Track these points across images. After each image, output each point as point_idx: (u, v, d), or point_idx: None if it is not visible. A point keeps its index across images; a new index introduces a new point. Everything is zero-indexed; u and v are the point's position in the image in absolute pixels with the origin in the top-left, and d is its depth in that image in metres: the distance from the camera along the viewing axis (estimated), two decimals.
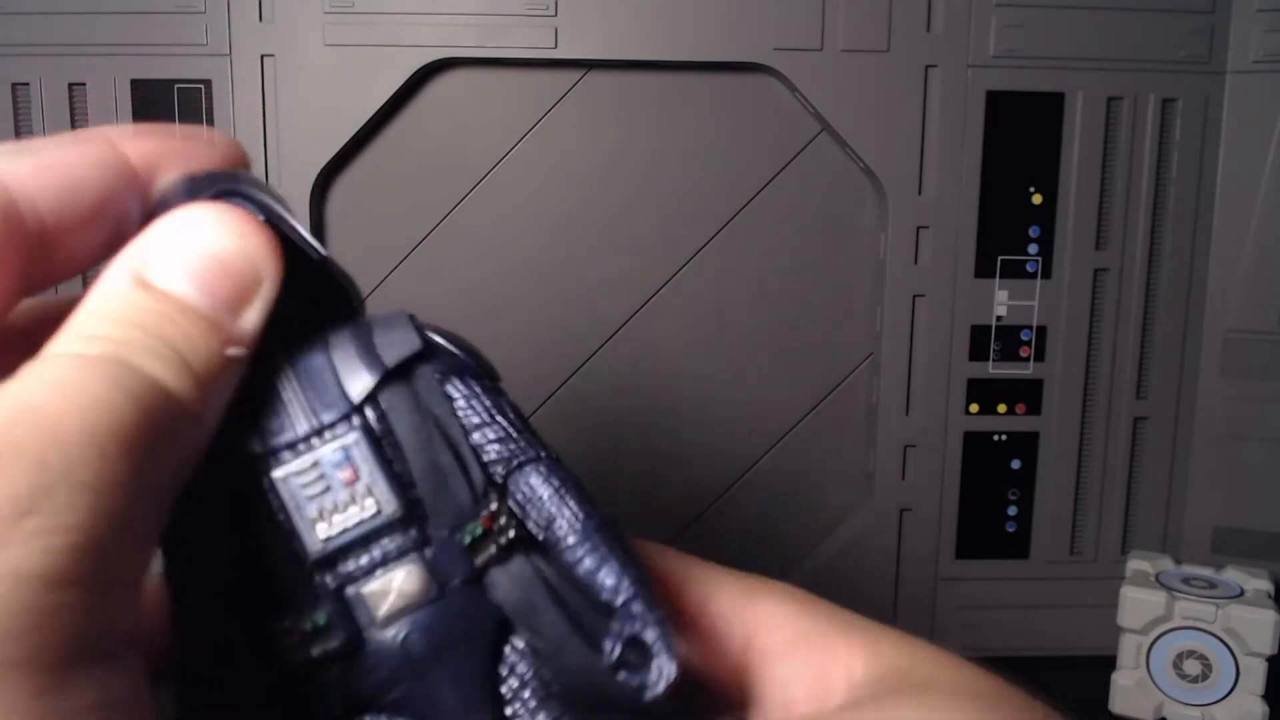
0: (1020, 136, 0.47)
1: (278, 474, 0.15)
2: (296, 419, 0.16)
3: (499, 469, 0.17)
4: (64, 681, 0.11)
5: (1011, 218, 0.48)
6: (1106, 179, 0.48)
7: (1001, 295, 0.48)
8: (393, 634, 0.15)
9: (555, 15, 0.45)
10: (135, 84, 0.45)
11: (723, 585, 0.18)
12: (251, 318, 0.15)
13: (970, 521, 0.50)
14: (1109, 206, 0.48)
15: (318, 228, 0.48)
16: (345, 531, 0.15)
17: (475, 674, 0.15)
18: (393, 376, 0.16)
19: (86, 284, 0.16)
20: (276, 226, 0.16)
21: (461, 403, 0.17)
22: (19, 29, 0.45)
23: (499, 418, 0.17)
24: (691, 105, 0.48)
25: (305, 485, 0.15)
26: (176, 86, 0.45)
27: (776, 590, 0.18)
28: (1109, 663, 0.44)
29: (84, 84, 0.45)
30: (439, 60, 0.46)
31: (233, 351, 0.15)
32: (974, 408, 0.49)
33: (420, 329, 0.17)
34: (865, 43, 0.46)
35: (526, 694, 0.15)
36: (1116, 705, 0.44)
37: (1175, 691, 0.43)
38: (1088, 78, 0.47)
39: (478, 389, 0.17)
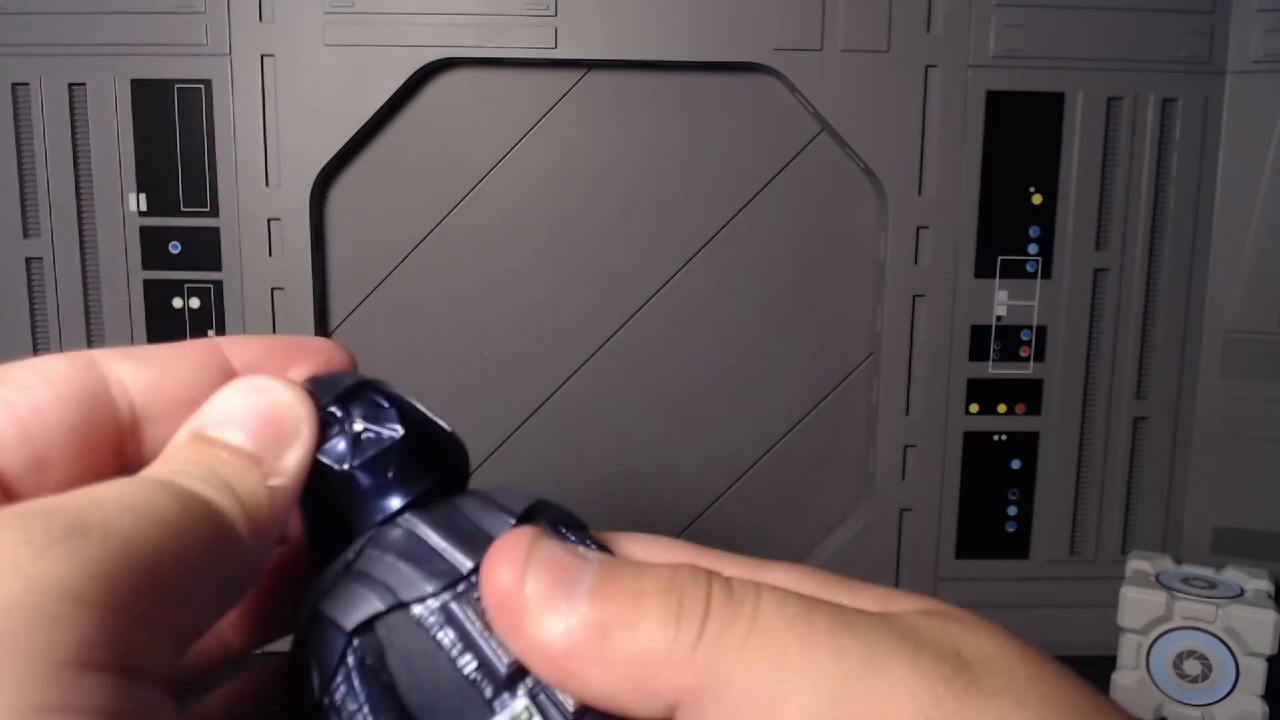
0: (1020, 136, 0.47)
1: (456, 606, 0.17)
2: (459, 559, 0.17)
3: None
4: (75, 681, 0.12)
5: (1011, 218, 0.48)
6: (1106, 179, 0.48)
7: (1001, 295, 0.48)
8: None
9: (555, 15, 0.45)
10: (135, 84, 0.45)
11: (733, 560, 0.19)
12: (293, 457, 0.17)
13: (970, 521, 0.50)
14: (1109, 206, 0.48)
15: (318, 228, 0.48)
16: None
17: None
18: (522, 521, 0.18)
19: None
20: (409, 414, 0.19)
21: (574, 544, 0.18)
22: (19, 29, 0.45)
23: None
24: (691, 105, 0.48)
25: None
26: (176, 86, 0.45)
27: (785, 565, 0.19)
28: (1109, 663, 0.44)
29: (84, 84, 0.45)
30: (439, 60, 0.46)
31: (275, 482, 0.17)
32: (974, 408, 0.49)
33: (523, 489, 0.19)
34: (865, 43, 0.46)
35: None
36: None
37: (1175, 691, 0.43)
38: (1088, 78, 0.47)
39: (583, 536, 0.19)
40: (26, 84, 0.45)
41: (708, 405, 0.50)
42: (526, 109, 0.48)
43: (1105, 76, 0.47)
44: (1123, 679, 0.44)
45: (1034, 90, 0.47)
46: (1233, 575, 0.44)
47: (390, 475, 0.18)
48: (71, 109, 0.45)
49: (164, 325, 0.47)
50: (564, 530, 0.18)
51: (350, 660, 0.16)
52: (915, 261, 0.48)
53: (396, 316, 0.49)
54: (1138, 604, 0.43)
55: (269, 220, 0.47)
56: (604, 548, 0.19)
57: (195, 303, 0.47)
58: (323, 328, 0.49)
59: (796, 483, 0.51)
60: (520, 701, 0.16)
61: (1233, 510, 0.49)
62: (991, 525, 0.50)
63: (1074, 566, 0.50)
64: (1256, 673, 0.41)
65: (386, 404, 0.19)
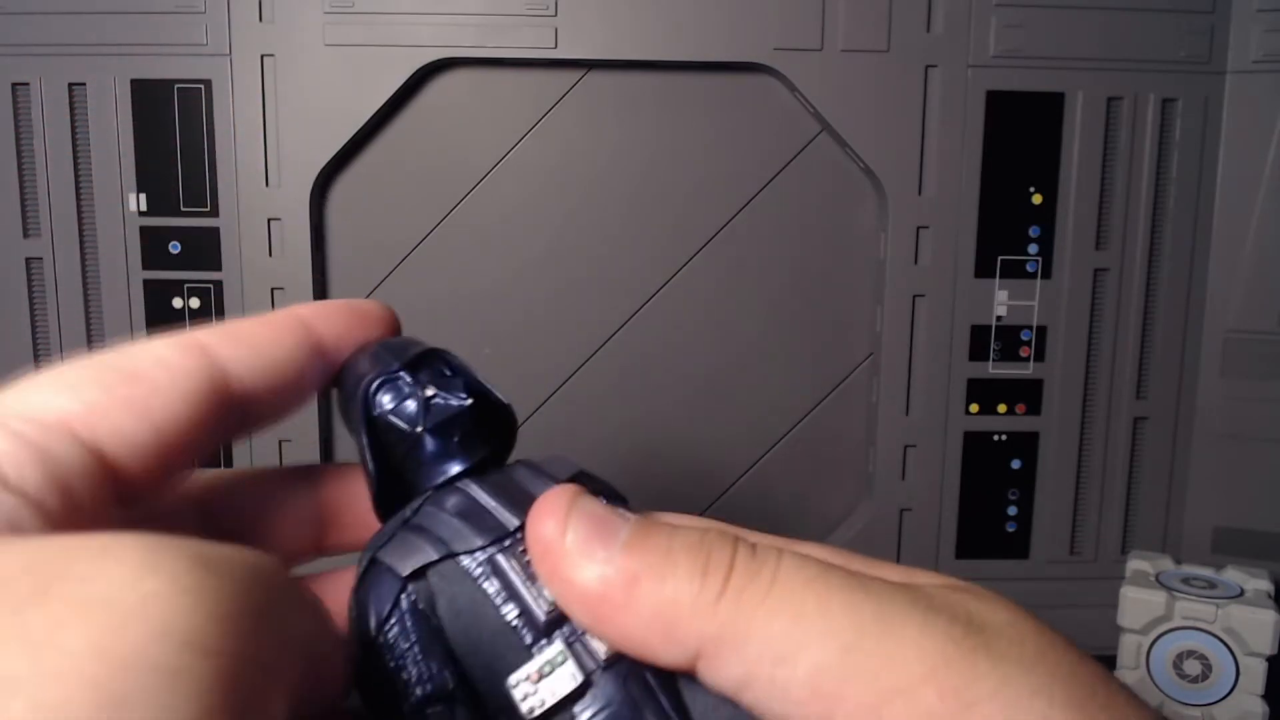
0: (1020, 136, 0.47)
1: (502, 560, 0.18)
2: (507, 518, 0.18)
3: None
4: None
5: (1011, 218, 0.48)
6: (1106, 179, 0.48)
7: (1001, 295, 0.48)
8: (615, 676, 0.17)
9: (555, 15, 0.45)
10: (135, 84, 0.45)
11: (759, 536, 0.20)
12: None
13: (970, 521, 0.50)
14: (1109, 206, 0.48)
15: (318, 228, 0.48)
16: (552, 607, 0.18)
17: (677, 706, 0.17)
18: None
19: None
20: (466, 380, 0.20)
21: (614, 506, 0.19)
22: (19, 29, 0.45)
23: None
24: (691, 105, 0.48)
25: (525, 564, 0.18)
26: (176, 86, 0.45)
27: (811, 543, 0.20)
28: (1109, 663, 0.44)
29: (84, 84, 0.45)
30: (439, 60, 0.46)
31: None
32: (974, 408, 0.49)
33: (572, 460, 0.20)
34: (865, 43, 0.46)
35: None
36: None
37: (1175, 691, 0.43)
38: (1088, 78, 0.47)
39: (624, 510, 0.19)
40: (26, 84, 0.45)
41: (707, 405, 0.50)
42: (526, 109, 0.48)
43: (1105, 76, 0.47)
44: (1123, 679, 0.44)
45: (1034, 90, 0.47)
46: (1233, 575, 0.44)
47: (456, 440, 0.20)
48: (71, 109, 0.45)
49: (164, 325, 0.47)
50: (604, 498, 0.19)
51: (404, 604, 0.18)
52: (915, 261, 0.48)
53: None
54: (1138, 604, 0.43)
55: (269, 220, 0.47)
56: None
57: (195, 303, 0.47)
58: None
59: (796, 483, 0.51)
60: (556, 646, 0.17)
61: (1233, 510, 0.49)
62: (991, 525, 0.50)
63: (1074, 566, 0.50)
64: (1256, 673, 0.41)
65: (453, 373, 0.20)
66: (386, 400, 0.20)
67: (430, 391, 0.20)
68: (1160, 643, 0.43)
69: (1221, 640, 0.41)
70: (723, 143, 0.48)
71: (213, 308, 0.47)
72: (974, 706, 0.15)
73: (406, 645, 0.17)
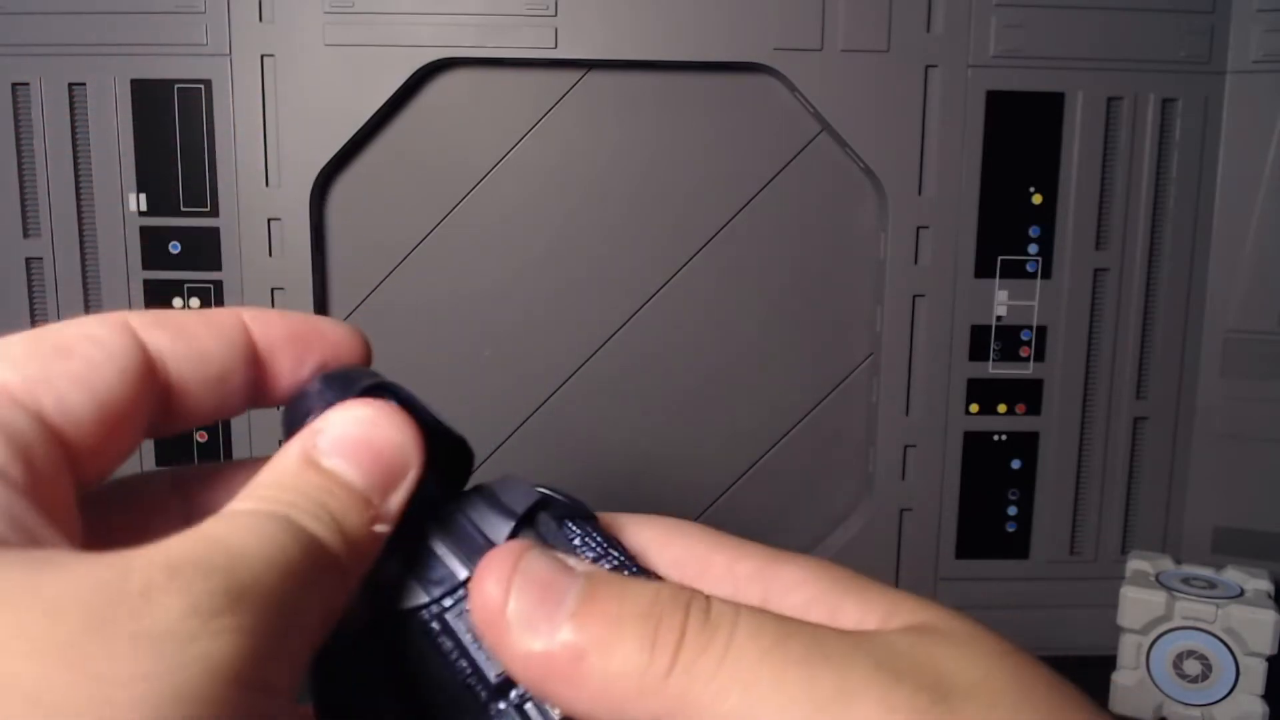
0: (1020, 136, 0.47)
1: (451, 615, 0.17)
2: (456, 568, 0.18)
3: None
4: None
5: (1011, 218, 0.48)
6: (1106, 179, 0.48)
7: (1001, 295, 0.48)
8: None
9: (555, 15, 0.45)
10: (135, 84, 0.45)
11: (748, 551, 0.20)
12: (397, 499, 0.18)
13: (970, 521, 0.50)
14: (1109, 206, 0.48)
15: (318, 228, 0.48)
16: None
17: None
18: (523, 523, 0.18)
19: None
20: (418, 415, 0.19)
21: (578, 540, 0.19)
22: (19, 29, 0.45)
23: (611, 550, 0.19)
24: (691, 105, 0.48)
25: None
26: (176, 86, 0.45)
27: (800, 558, 0.19)
28: (1109, 663, 0.44)
29: (84, 84, 0.45)
30: (439, 60, 0.46)
31: (379, 528, 0.18)
32: (974, 408, 0.49)
33: (533, 486, 0.19)
34: (865, 43, 0.46)
35: None
36: (1116, 705, 0.44)
37: (1175, 691, 0.43)
38: (1088, 78, 0.47)
39: (589, 528, 0.19)
40: (26, 84, 0.45)
41: (707, 405, 0.50)
42: (526, 109, 0.48)
43: (1105, 76, 0.47)
44: (1123, 679, 0.44)
45: (1034, 90, 0.47)
46: (1233, 575, 0.44)
47: None
48: (71, 109, 0.45)
49: None
50: (570, 524, 0.19)
51: (353, 656, 0.17)
52: (915, 261, 0.48)
53: (396, 316, 0.49)
54: (1138, 604, 0.43)
55: (269, 220, 0.47)
56: (612, 540, 0.19)
57: (195, 303, 0.47)
58: None
59: (797, 482, 0.51)
60: (510, 709, 0.17)
61: (1233, 510, 0.49)
62: (991, 525, 0.50)
63: (1074, 566, 0.50)
64: (1256, 673, 0.41)
65: (396, 402, 0.19)
66: None
67: None
68: (1160, 643, 0.43)
69: (1221, 640, 0.41)
70: (723, 143, 0.48)
71: (213, 307, 0.47)
72: None
73: (355, 704, 0.18)
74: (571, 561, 0.17)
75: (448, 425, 0.20)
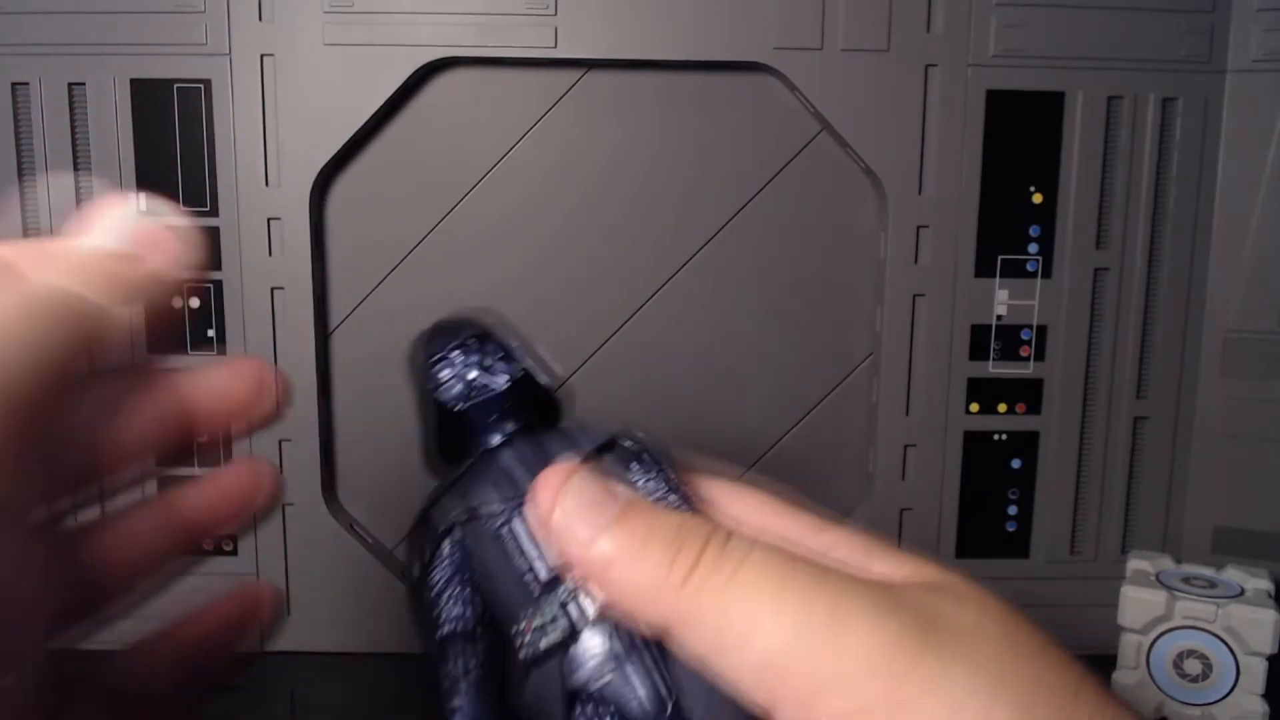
0: (1020, 136, 0.47)
1: (516, 522, 0.21)
2: (525, 484, 0.21)
3: None
4: None
5: (1011, 217, 0.48)
6: (1106, 178, 0.48)
7: (1001, 295, 0.48)
8: (600, 630, 0.19)
9: (555, 15, 0.45)
10: (135, 84, 0.45)
11: (800, 516, 0.23)
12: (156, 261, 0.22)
13: (970, 521, 0.50)
14: (1109, 206, 0.48)
15: (317, 227, 0.48)
16: None
17: (663, 666, 0.19)
18: (589, 457, 0.21)
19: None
20: (514, 367, 0.23)
21: (640, 477, 0.22)
22: (19, 29, 0.44)
23: (671, 491, 0.22)
24: (691, 105, 0.48)
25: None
26: (176, 86, 0.45)
27: (843, 528, 0.22)
28: (1109, 662, 0.44)
29: (84, 84, 0.45)
30: (439, 60, 0.46)
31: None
32: (974, 407, 0.49)
33: (612, 432, 0.23)
34: (865, 42, 0.46)
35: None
36: None
37: (1175, 691, 0.43)
38: (1088, 77, 0.47)
39: (658, 470, 0.22)
40: (26, 84, 0.45)
41: (707, 404, 0.50)
42: (526, 109, 0.48)
43: (1105, 76, 0.47)
44: (1123, 678, 0.44)
45: (1034, 90, 0.47)
46: (1233, 575, 0.44)
47: (494, 417, 0.23)
48: (71, 109, 0.45)
49: (164, 325, 0.47)
50: (638, 464, 0.22)
51: (444, 552, 0.21)
52: (915, 261, 0.48)
53: (396, 316, 0.49)
54: (1138, 603, 0.43)
55: (269, 220, 0.47)
56: (678, 484, 0.22)
57: (195, 302, 0.47)
58: (322, 327, 0.49)
59: (796, 482, 0.51)
60: (553, 602, 0.20)
61: (1233, 510, 0.49)
62: (991, 525, 0.50)
63: (1074, 566, 0.50)
64: (1256, 672, 0.41)
65: (500, 355, 0.23)
66: (440, 377, 0.23)
67: (473, 375, 0.23)
68: (1160, 642, 0.43)
69: (1222, 640, 0.41)
70: (723, 142, 0.48)
71: (212, 307, 0.47)
72: (908, 702, 0.16)
73: (441, 588, 0.21)
74: (619, 489, 0.20)
75: (539, 374, 0.24)
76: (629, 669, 0.19)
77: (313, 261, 0.47)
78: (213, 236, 0.47)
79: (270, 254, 0.47)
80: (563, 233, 0.49)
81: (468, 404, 0.23)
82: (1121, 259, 0.48)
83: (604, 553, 0.19)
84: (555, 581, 0.20)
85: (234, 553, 0.49)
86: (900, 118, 0.47)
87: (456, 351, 0.23)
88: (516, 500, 0.21)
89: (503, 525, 0.21)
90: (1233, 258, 0.48)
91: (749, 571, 0.18)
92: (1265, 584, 0.43)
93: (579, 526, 0.19)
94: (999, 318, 0.48)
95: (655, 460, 0.22)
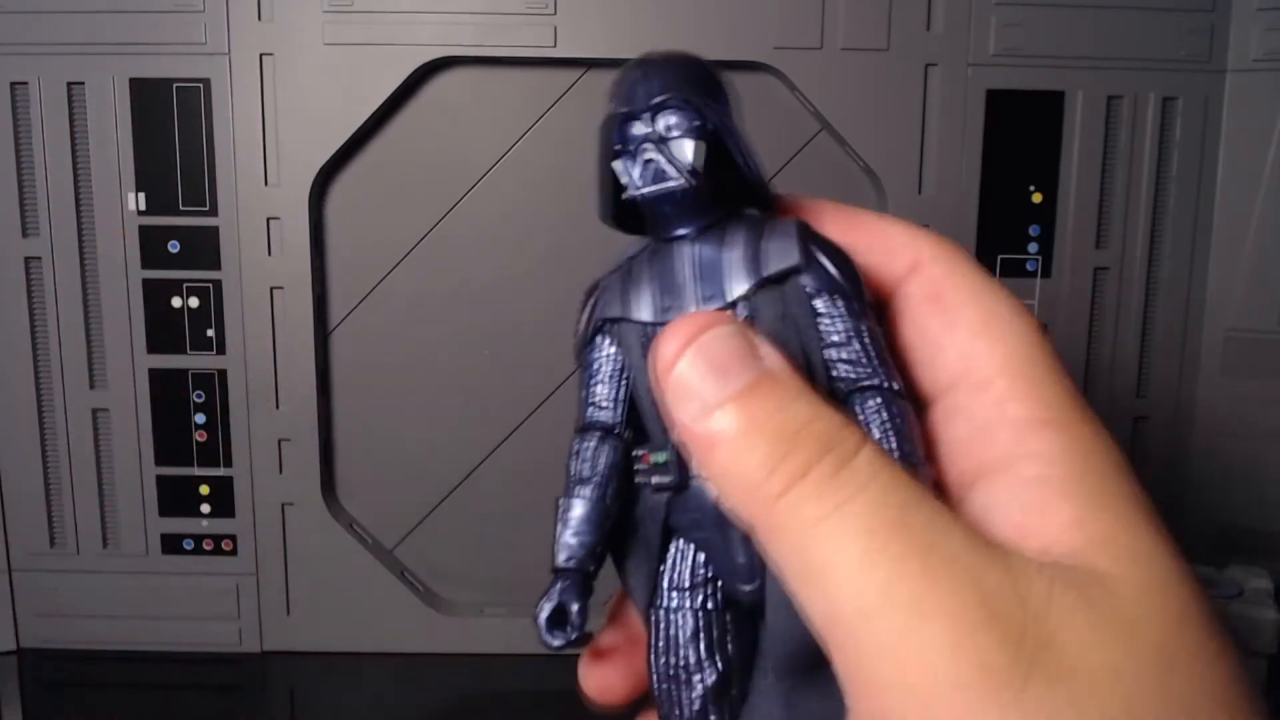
0: (1020, 135, 0.47)
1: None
2: (687, 300, 0.19)
3: (841, 386, 0.19)
4: None
5: (1011, 217, 0.48)
6: (1106, 178, 0.48)
7: None
8: (711, 489, 0.18)
9: (555, 14, 0.45)
10: (134, 83, 0.45)
11: (1039, 400, 0.18)
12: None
13: None
14: (1109, 205, 0.48)
15: (317, 227, 0.47)
16: None
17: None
18: (768, 282, 0.19)
19: None
20: (697, 156, 0.19)
21: (825, 319, 0.19)
22: (19, 28, 0.44)
23: (854, 340, 0.19)
24: None
25: None
26: (175, 86, 0.45)
27: (1077, 431, 0.18)
28: None
29: (83, 83, 0.45)
30: (438, 59, 0.46)
31: None
32: None
33: (805, 241, 0.19)
34: (865, 41, 0.46)
35: None
36: None
37: None
38: (1088, 76, 0.47)
39: (843, 309, 0.19)
40: (25, 83, 0.45)
41: None
42: (526, 108, 0.48)
43: (1105, 75, 0.47)
44: None
45: (1034, 89, 0.47)
46: (1233, 574, 0.44)
47: (668, 211, 0.20)
48: (70, 108, 0.45)
49: (163, 324, 0.47)
50: (827, 298, 0.19)
51: (598, 339, 0.21)
52: None
53: (396, 315, 0.49)
54: None
55: (268, 219, 0.47)
56: (875, 332, 0.19)
57: (194, 302, 0.47)
58: (322, 326, 0.49)
59: None
60: (670, 443, 0.19)
61: (1233, 510, 0.49)
62: None
63: None
64: (1256, 673, 0.41)
65: (691, 132, 0.20)
66: (618, 139, 0.20)
67: (649, 156, 0.19)
68: None
69: None
70: None
71: (212, 307, 0.47)
72: None
73: (593, 371, 0.21)
74: (764, 350, 0.17)
75: (739, 159, 0.21)
76: (730, 533, 0.18)
77: (312, 261, 0.47)
78: (212, 236, 0.47)
79: (270, 254, 0.47)
80: (562, 232, 0.49)
81: (639, 192, 0.20)
82: (1121, 259, 0.48)
83: (710, 430, 0.17)
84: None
85: (234, 553, 0.49)
86: (900, 117, 0.47)
87: (644, 114, 0.20)
88: (672, 314, 0.19)
89: (648, 338, 0.19)
90: (1233, 258, 0.48)
91: (854, 512, 0.15)
92: (1265, 584, 0.43)
93: (697, 391, 0.17)
94: None
95: (848, 299, 0.19)
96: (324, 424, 0.49)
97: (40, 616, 0.49)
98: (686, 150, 0.19)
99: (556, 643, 0.19)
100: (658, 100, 0.20)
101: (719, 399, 0.17)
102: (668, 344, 0.17)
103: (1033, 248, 0.48)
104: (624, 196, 0.20)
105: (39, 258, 0.46)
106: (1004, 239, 0.48)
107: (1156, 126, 0.47)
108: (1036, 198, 0.48)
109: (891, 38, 0.46)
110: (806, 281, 0.19)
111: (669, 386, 0.17)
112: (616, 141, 0.20)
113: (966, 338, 0.19)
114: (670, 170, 0.19)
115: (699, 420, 0.17)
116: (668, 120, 0.20)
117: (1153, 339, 0.49)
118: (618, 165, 0.20)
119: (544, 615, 0.19)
